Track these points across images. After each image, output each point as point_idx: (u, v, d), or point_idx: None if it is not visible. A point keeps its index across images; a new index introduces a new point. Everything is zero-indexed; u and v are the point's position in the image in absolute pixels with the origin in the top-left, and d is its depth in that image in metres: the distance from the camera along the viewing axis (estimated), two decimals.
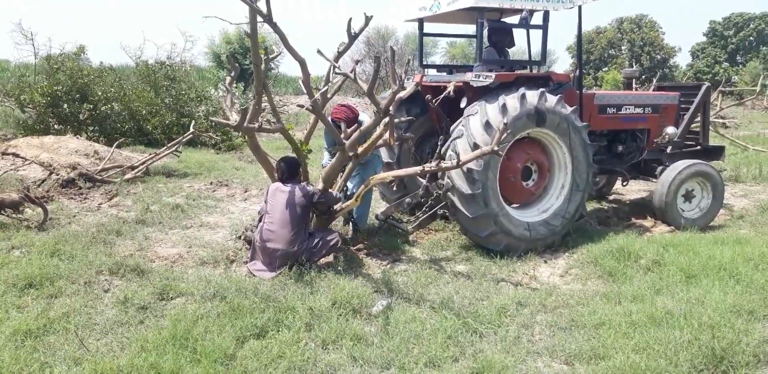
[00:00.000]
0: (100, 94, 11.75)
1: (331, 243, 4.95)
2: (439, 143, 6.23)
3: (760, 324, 3.84)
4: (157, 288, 4.30)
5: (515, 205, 6.07)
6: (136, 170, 8.30)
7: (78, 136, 10.55)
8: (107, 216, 6.37)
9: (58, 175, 7.52)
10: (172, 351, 3.36)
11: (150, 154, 8.86)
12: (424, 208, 6.01)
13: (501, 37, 6.63)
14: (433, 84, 6.35)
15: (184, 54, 15.70)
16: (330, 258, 5.14)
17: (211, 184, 8.30)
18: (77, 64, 12.20)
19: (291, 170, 5.10)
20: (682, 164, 6.69)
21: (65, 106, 11.19)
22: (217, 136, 12.07)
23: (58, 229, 5.71)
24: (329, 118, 5.68)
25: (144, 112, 12.12)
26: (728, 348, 3.39)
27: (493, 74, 5.65)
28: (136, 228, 5.94)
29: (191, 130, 8.86)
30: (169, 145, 9.09)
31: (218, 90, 14.17)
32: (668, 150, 7.25)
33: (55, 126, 11.48)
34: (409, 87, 5.03)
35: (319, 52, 4.96)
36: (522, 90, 5.60)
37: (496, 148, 4.55)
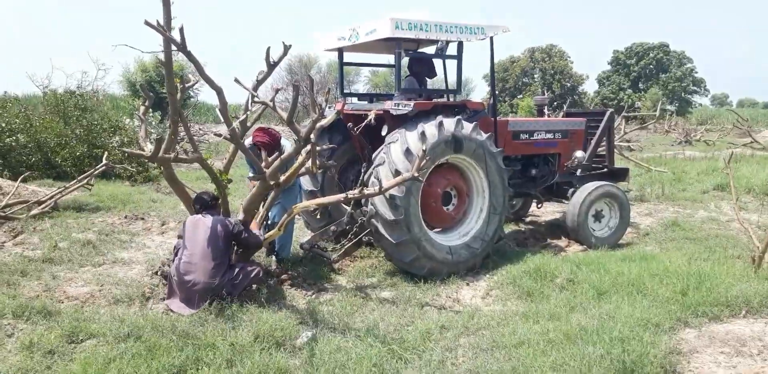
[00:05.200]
0: (3, 125, 11.11)
1: (252, 274, 4.85)
2: (361, 170, 6.31)
3: (666, 335, 4.07)
4: (65, 331, 4.04)
5: (437, 230, 6.20)
6: (44, 205, 7.85)
7: None
8: (11, 255, 5.97)
9: None
10: None
11: (59, 188, 8.41)
12: (348, 236, 6.02)
13: (421, 67, 6.84)
14: (355, 112, 6.44)
15: (96, 82, 15.12)
16: (252, 290, 5.02)
17: (125, 217, 7.96)
18: None
19: (211, 201, 5.03)
20: (591, 186, 7.07)
21: None
22: (132, 167, 11.63)
23: None
24: (250, 142, 5.65)
25: (53, 143, 11.54)
26: (637, 361, 3.56)
27: (411, 103, 5.80)
28: (42, 267, 5.59)
29: (104, 161, 8.51)
30: (79, 177, 8.67)
31: (133, 119, 13.69)
32: (578, 173, 7.66)
33: None
34: (330, 115, 5.08)
35: (236, 80, 4.93)
36: (439, 118, 5.78)
37: (416, 174, 4.67)
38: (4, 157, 10.92)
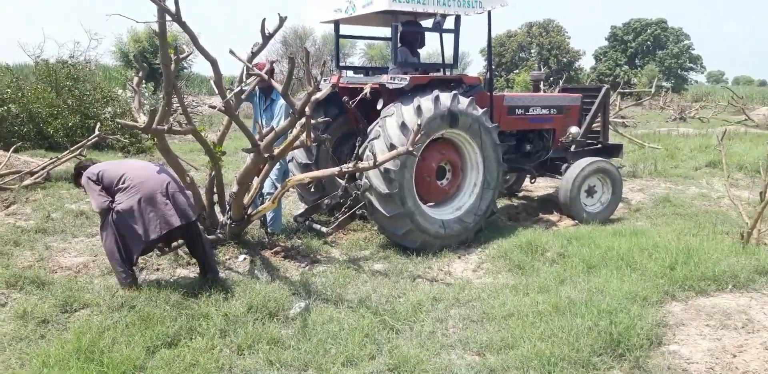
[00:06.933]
0: None
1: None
2: (356, 144, 6.29)
3: (653, 308, 4.14)
4: (59, 300, 4.08)
5: (430, 204, 6.22)
6: (36, 175, 7.81)
7: None
8: (3, 225, 5.96)
9: None
10: (77, 365, 3.21)
11: (51, 159, 8.36)
12: (342, 209, 6.04)
13: (412, 37, 6.76)
14: (350, 85, 6.38)
15: (89, 53, 14.81)
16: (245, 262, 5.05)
17: None
18: None
19: None
20: (584, 162, 7.08)
21: None
22: (125, 138, 11.55)
23: None
24: (255, 69, 5.49)
25: (44, 113, 11.42)
26: (624, 333, 3.63)
27: (407, 77, 5.75)
28: (35, 237, 5.60)
29: (97, 132, 8.44)
30: (72, 148, 8.62)
31: (126, 90, 13.52)
32: (572, 148, 7.66)
33: None
34: (325, 88, 5.03)
35: (231, 52, 4.88)
36: (436, 92, 5.74)
37: (411, 149, 4.66)
38: None
